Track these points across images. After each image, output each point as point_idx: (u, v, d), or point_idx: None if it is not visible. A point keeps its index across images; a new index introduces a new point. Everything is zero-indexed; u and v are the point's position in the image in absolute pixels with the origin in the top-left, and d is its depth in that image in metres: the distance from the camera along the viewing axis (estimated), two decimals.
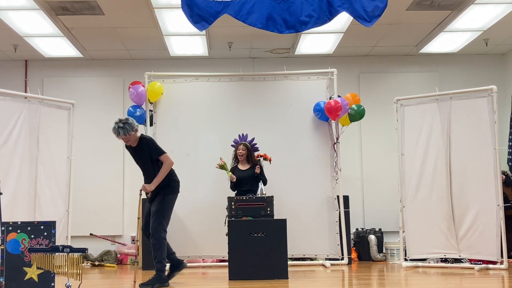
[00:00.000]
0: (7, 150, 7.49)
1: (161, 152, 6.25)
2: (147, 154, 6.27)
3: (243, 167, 7.70)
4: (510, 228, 7.79)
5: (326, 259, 8.31)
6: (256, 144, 7.89)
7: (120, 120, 6.17)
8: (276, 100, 8.59)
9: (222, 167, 7.60)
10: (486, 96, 7.65)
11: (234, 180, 7.56)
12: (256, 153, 7.80)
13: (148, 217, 6.32)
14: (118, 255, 9.28)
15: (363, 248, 9.07)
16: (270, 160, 7.76)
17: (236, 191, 7.65)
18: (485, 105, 7.63)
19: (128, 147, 6.41)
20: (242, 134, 7.89)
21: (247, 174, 7.61)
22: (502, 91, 9.42)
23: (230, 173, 7.60)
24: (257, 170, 7.56)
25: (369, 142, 9.98)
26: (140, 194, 6.30)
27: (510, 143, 8.78)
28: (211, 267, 8.32)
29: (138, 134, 6.32)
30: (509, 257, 7.72)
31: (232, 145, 7.92)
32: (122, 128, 6.11)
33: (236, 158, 7.78)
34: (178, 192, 6.44)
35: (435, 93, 8.14)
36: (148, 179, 6.32)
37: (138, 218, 6.21)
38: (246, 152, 7.70)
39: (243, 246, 6.73)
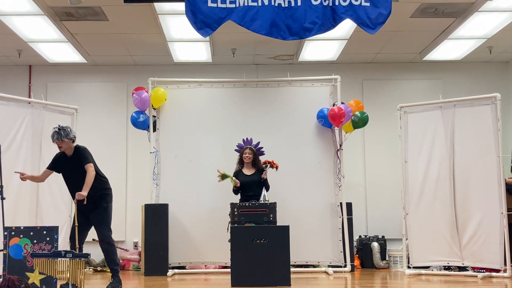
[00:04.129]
0: (11, 155, 7.50)
1: (89, 161, 6.41)
2: (81, 162, 6.43)
3: (248, 171, 7.69)
4: None
5: (329, 266, 8.29)
6: (262, 148, 7.89)
7: (58, 126, 6.38)
8: (279, 106, 8.60)
9: (224, 176, 7.56)
10: (489, 104, 7.64)
11: (239, 185, 7.54)
12: (263, 159, 7.78)
13: (83, 228, 6.42)
14: (121, 261, 9.26)
15: (366, 255, 9.04)
16: (276, 168, 7.72)
17: (240, 196, 7.64)
18: (488, 113, 7.62)
19: (61, 158, 6.49)
20: (247, 139, 7.89)
21: (252, 179, 7.59)
22: (506, 98, 9.40)
23: (233, 178, 7.58)
24: (264, 176, 7.56)
25: (373, 149, 9.97)
26: (76, 203, 6.22)
27: None
28: (213, 273, 8.30)
29: (75, 144, 6.49)
30: None
31: (236, 150, 7.91)
32: (57, 133, 6.33)
33: (241, 162, 7.77)
34: None
35: (439, 101, 8.13)
36: (76, 189, 6.33)
37: (76, 225, 6.22)
38: (253, 156, 7.70)
39: (246, 252, 6.71)
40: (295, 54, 9.63)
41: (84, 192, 6.22)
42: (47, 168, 6.55)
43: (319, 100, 8.53)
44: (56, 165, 6.49)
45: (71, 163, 6.42)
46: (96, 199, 6.43)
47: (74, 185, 6.39)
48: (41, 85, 9.92)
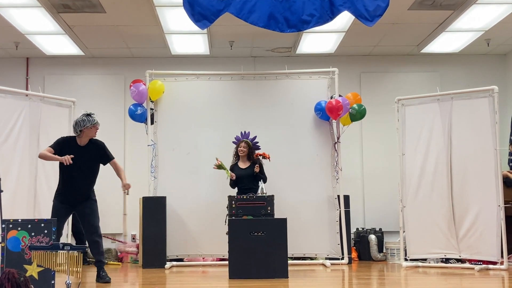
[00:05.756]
0: (8, 147, 7.50)
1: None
2: (99, 156, 6.55)
3: (243, 165, 7.71)
4: (510, 228, 7.78)
5: (326, 258, 8.31)
6: (257, 142, 7.89)
7: (91, 113, 6.50)
8: (277, 99, 8.60)
9: (220, 166, 7.58)
10: (487, 97, 7.64)
11: (234, 178, 7.57)
12: (255, 152, 7.81)
13: (65, 220, 6.57)
14: (118, 253, 9.28)
15: (363, 247, 9.06)
16: (269, 158, 7.75)
17: (236, 189, 7.66)
18: (486, 106, 7.63)
19: (71, 145, 6.41)
20: (244, 132, 7.89)
21: (246, 172, 7.61)
22: (503, 91, 9.39)
23: (229, 171, 7.60)
24: (256, 170, 7.57)
25: (370, 141, 9.98)
26: (126, 193, 6.58)
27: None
28: (211, 265, 8.32)
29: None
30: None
31: (233, 142, 7.92)
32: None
33: (237, 155, 7.79)
34: None
35: (436, 93, 8.14)
36: (79, 181, 6.39)
37: (125, 214, 6.52)
38: (247, 150, 7.71)
39: (243, 245, 6.72)
40: (293, 47, 9.62)
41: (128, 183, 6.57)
42: (52, 148, 6.36)
43: (316, 92, 8.53)
44: (62, 149, 6.34)
45: (85, 153, 6.42)
46: (90, 191, 6.50)
47: (77, 177, 6.36)
48: (38, 78, 9.90)
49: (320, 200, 8.37)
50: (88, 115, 6.43)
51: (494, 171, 7.48)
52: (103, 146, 6.62)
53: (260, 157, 7.74)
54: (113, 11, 7.99)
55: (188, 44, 9.36)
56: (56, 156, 6.28)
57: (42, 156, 6.41)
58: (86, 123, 6.38)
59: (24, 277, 3.17)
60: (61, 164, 6.41)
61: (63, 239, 7.56)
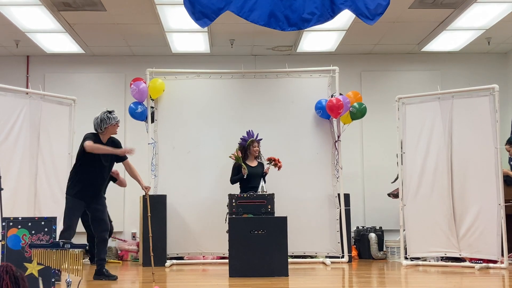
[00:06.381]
0: (8, 146, 7.49)
1: None
2: (116, 154, 6.57)
3: (252, 163, 7.69)
4: (511, 227, 7.78)
5: (327, 257, 8.31)
6: (261, 139, 7.87)
7: (112, 110, 6.60)
8: (277, 97, 8.59)
9: (238, 159, 7.55)
10: (488, 95, 7.64)
11: (246, 175, 7.52)
12: (265, 154, 7.77)
13: (79, 217, 6.62)
14: (119, 252, 9.28)
15: (364, 246, 9.06)
16: (279, 168, 7.69)
17: (240, 187, 7.63)
18: (486, 104, 7.62)
19: (100, 143, 6.49)
20: (249, 130, 7.85)
21: (256, 171, 7.60)
22: (504, 90, 9.39)
23: (244, 166, 7.56)
24: (267, 171, 7.57)
25: (371, 140, 9.98)
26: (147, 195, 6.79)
27: None
28: (211, 264, 8.33)
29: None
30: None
31: (240, 143, 7.82)
32: None
33: (245, 154, 7.74)
34: None
35: (437, 92, 8.13)
36: (102, 179, 6.55)
37: (149, 215, 6.64)
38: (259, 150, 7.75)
39: (244, 243, 6.73)
40: (293, 45, 9.62)
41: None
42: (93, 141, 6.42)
43: (317, 91, 8.52)
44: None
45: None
46: (100, 190, 6.60)
47: (99, 173, 6.45)
48: (38, 76, 9.91)
49: (321, 198, 8.37)
50: (110, 112, 6.54)
51: (495, 169, 7.48)
52: (121, 145, 6.74)
53: (272, 162, 7.68)
54: (113, 9, 7.98)
55: (189, 42, 9.35)
56: (113, 149, 6.42)
57: (95, 148, 6.36)
58: (111, 120, 6.50)
59: (20, 273, 3.18)
60: (84, 161, 6.43)
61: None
